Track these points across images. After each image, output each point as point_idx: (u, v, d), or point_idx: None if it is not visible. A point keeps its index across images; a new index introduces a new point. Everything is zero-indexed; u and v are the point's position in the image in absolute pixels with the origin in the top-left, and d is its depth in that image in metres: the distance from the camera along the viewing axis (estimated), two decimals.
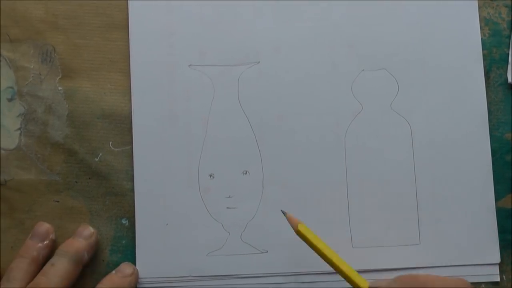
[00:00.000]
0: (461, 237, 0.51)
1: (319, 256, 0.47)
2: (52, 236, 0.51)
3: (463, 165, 0.52)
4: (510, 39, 0.53)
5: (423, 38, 0.53)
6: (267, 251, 0.52)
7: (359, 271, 0.48)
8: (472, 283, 0.51)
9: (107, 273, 0.52)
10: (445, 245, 0.51)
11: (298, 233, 0.48)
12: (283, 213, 0.48)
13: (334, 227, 0.52)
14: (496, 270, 0.51)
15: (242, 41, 0.53)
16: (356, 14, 0.53)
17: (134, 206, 0.52)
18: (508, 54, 0.53)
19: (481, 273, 0.51)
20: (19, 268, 0.49)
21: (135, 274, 0.51)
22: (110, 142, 0.53)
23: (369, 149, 0.52)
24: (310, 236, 0.47)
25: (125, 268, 0.51)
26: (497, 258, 0.51)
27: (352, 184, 0.52)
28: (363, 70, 0.53)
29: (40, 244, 0.51)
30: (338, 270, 0.47)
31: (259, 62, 0.53)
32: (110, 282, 0.50)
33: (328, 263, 0.47)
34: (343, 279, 0.47)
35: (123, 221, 0.52)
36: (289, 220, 0.48)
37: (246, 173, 0.52)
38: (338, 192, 0.52)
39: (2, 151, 0.53)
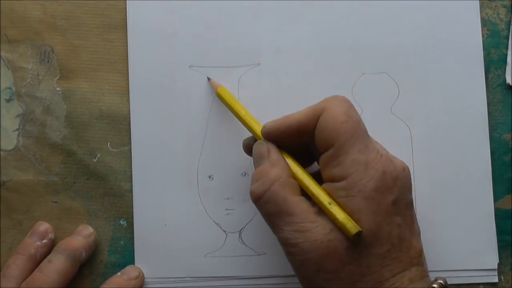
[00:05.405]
0: (459, 241, 0.51)
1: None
2: (51, 235, 0.51)
3: (462, 170, 0.52)
4: (508, 40, 0.53)
5: (425, 41, 0.53)
6: (265, 253, 0.52)
7: None
8: (471, 284, 0.51)
9: (105, 273, 0.52)
10: (443, 248, 0.51)
11: (218, 95, 0.51)
12: (208, 79, 0.52)
13: None
14: (494, 271, 0.52)
15: (243, 43, 0.53)
16: (357, 17, 0.53)
17: (132, 207, 0.52)
18: (506, 55, 0.53)
19: (479, 274, 0.51)
20: (16, 265, 0.49)
21: (141, 277, 0.51)
22: (108, 143, 0.53)
23: None
24: (227, 98, 0.50)
25: (131, 270, 0.51)
26: (494, 264, 0.51)
27: None
28: (363, 73, 0.53)
29: (38, 243, 0.50)
30: (244, 124, 0.49)
31: (259, 63, 0.53)
32: (115, 283, 0.50)
33: (240, 120, 0.49)
34: None
35: (121, 222, 0.52)
36: (211, 83, 0.52)
37: (245, 175, 0.52)
38: None
39: (1, 152, 0.53)
